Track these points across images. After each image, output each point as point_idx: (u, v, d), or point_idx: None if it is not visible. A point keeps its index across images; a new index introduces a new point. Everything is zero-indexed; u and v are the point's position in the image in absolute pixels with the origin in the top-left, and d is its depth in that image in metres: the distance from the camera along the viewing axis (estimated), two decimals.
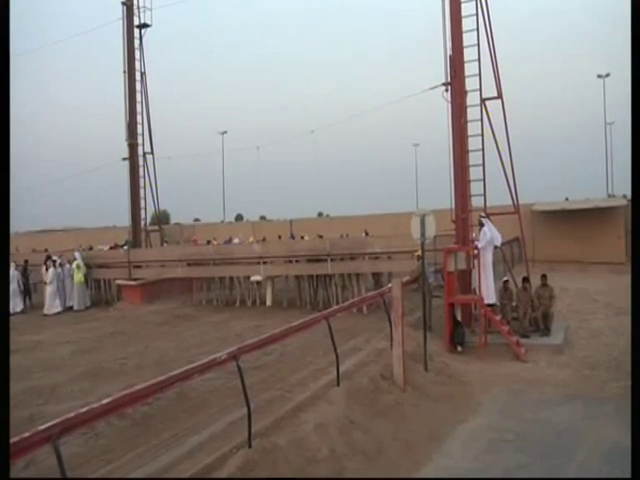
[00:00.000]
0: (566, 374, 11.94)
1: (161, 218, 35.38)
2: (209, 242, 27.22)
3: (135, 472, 7.38)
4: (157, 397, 8.39)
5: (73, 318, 21.63)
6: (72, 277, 23.78)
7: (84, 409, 6.07)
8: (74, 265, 23.78)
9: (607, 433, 8.94)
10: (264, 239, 26.16)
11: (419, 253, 15.13)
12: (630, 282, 6.14)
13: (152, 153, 26.63)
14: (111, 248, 27.69)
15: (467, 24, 15.19)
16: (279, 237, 27.93)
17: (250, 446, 7.55)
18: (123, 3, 26.13)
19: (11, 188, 6.00)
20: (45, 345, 16.30)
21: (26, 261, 25.69)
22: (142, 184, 26.41)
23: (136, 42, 26.38)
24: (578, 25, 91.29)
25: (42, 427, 5.55)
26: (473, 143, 15.19)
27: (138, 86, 26.34)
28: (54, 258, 24.44)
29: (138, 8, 26.31)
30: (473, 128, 15.18)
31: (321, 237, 23.49)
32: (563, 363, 12.65)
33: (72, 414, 5.90)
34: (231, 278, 22.50)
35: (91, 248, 28.07)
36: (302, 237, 26.64)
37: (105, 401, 6.28)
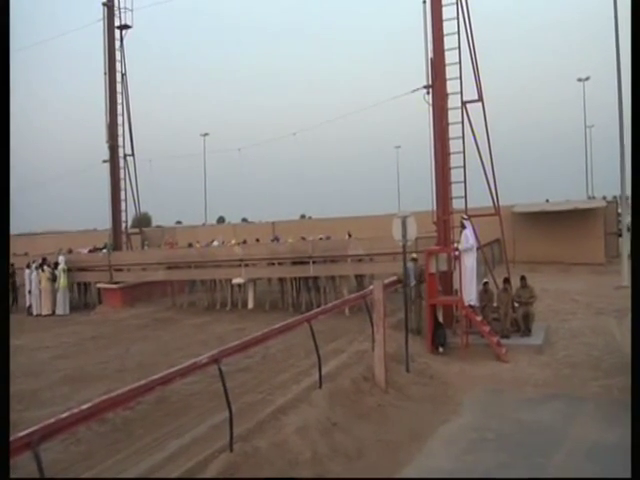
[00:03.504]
0: (546, 374, 12.04)
1: (142, 221, 35.14)
2: (190, 245, 27.07)
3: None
4: (138, 401, 8.35)
5: (53, 322, 21.39)
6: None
7: (64, 414, 6.03)
8: (59, 269, 23.54)
9: (588, 431, 9.05)
10: (245, 241, 26.03)
11: (413, 255, 15.20)
12: (630, 282, 6.24)
13: (133, 155, 26.40)
14: (90, 251, 27.41)
15: (448, 28, 15.27)
16: (257, 240, 27.76)
17: (232, 450, 7.54)
18: (104, 4, 25.94)
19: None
20: (25, 350, 16.11)
21: (12, 264, 25.40)
22: (123, 186, 26.19)
23: (117, 43, 26.17)
24: (559, 29, 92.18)
25: (22, 433, 5.50)
26: (454, 145, 15.26)
27: (119, 87, 26.16)
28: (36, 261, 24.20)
29: (119, 9, 26.13)
30: (454, 130, 15.27)
31: (304, 239, 23.42)
32: (543, 363, 12.75)
33: (52, 420, 5.87)
34: (213, 281, 22.42)
35: (70, 251, 27.77)
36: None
37: (85, 406, 6.25)
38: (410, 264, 14.99)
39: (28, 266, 24.12)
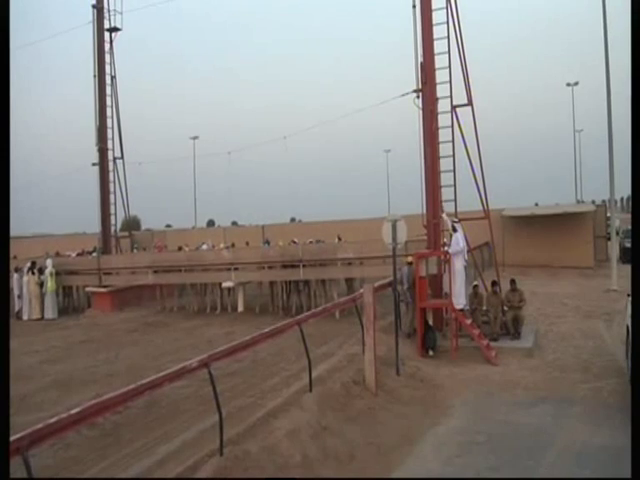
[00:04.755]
0: (536, 377, 12.07)
1: (131, 224, 34.99)
2: (180, 248, 27.02)
3: None
4: (127, 406, 8.32)
5: (43, 326, 21.29)
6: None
7: (53, 419, 5.99)
8: (46, 273, 23.44)
9: (577, 434, 9.08)
10: (233, 245, 25.99)
11: (409, 259, 15.18)
12: (630, 283, 6.28)
13: (122, 158, 26.32)
14: (79, 255, 27.29)
15: (438, 32, 15.31)
16: (247, 243, 27.81)
17: (222, 454, 7.52)
18: (93, 6, 25.86)
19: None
20: (15, 354, 15.91)
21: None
22: (112, 189, 26.11)
23: (106, 46, 26.11)
24: (549, 34, 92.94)
25: (11, 439, 5.45)
26: (444, 149, 15.30)
27: (108, 90, 26.08)
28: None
29: (109, 11, 26.05)
30: (444, 134, 15.30)
31: (294, 242, 23.43)
32: (533, 366, 12.79)
33: (41, 425, 5.83)
34: (203, 284, 22.36)
35: (58, 254, 27.62)
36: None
37: (74, 411, 6.21)
38: (405, 268, 15.01)
39: (16, 270, 23.97)
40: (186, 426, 9.17)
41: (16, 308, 23.56)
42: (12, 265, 24.15)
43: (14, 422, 9.41)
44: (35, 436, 5.72)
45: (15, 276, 23.69)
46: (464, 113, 15.49)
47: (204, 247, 26.06)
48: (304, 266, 19.25)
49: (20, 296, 23.54)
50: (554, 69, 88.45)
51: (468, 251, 15.13)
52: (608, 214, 28.21)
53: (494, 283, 15.25)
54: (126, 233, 30.33)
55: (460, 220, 14.81)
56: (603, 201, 33.53)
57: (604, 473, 7.51)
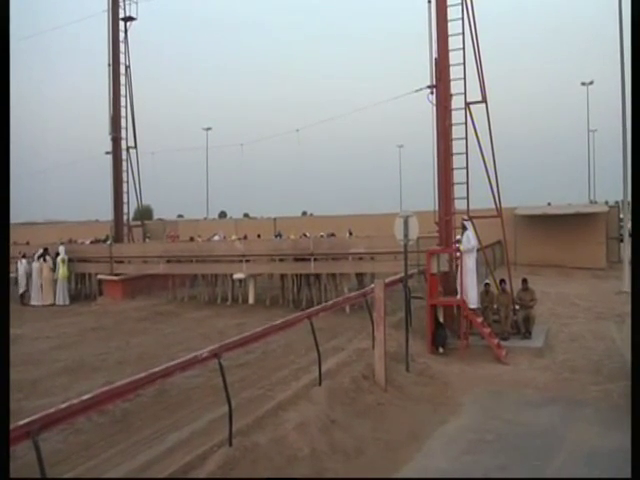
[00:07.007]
0: (546, 377, 12.04)
1: (144, 213, 35.12)
2: (192, 239, 27.06)
3: (115, 469, 7.33)
4: (138, 394, 8.36)
5: (54, 313, 21.39)
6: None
7: (64, 405, 6.05)
8: (58, 259, 23.55)
9: (586, 435, 9.05)
10: (245, 237, 26.02)
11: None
12: (630, 284, 6.22)
13: (135, 147, 26.38)
14: (92, 243, 27.41)
15: (453, 28, 15.23)
16: (258, 235, 27.85)
17: (231, 444, 7.54)
18: None
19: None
20: (25, 339, 16.09)
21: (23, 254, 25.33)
22: (125, 178, 26.21)
23: (121, 35, 26.16)
24: (564, 32, 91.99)
25: (21, 422, 5.51)
26: (457, 146, 15.22)
27: (122, 80, 26.13)
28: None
29: (124, 0, 26.09)
30: (457, 131, 15.22)
31: (306, 236, 23.43)
32: (543, 366, 12.74)
33: (52, 410, 5.88)
34: (214, 275, 22.43)
35: (71, 241, 27.74)
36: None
37: (85, 397, 6.26)
38: None
39: (24, 256, 24.06)
40: (196, 416, 9.19)
41: (20, 291, 23.67)
42: (20, 251, 24.44)
43: (25, 406, 9.56)
44: (46, 420, 5.76)
45: (23, 262, 23.81)
46: (478, 110, 15.40)
47: (216, 238, 26.10)
48: (315, 260, 19.25)
49: (28, 281, 23.66)
50: (569, 68, 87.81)
51: (478, 249, 15.07)
52: (621, 215, 28.00)
53: (502, 281, 15.18)
54: (138, 222, 30.41)
55: (471, 218, 14.73)
56: (616, 202, 33.21)
57: (612, 475, 7.47)
